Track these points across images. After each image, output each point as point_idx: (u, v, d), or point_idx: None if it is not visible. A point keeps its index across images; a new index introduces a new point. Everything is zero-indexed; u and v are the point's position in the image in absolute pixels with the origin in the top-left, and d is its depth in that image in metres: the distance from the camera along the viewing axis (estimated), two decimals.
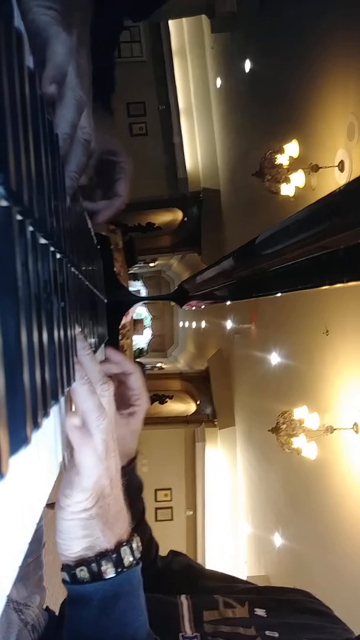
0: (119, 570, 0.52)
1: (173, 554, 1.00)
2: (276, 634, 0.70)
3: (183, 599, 0.78)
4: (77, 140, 0.51)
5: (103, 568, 0.51)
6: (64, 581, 0.52)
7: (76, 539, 0.51)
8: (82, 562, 0.51)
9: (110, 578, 0.51)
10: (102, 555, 0.51)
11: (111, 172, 0.66)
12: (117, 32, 0.78)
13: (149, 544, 0.91)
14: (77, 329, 0.48)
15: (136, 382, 0.59)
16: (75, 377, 0.46)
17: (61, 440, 0.45)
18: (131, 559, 0.53)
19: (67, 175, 0.50)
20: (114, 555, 0.52)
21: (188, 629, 0.71)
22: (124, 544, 0.53)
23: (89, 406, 0.48)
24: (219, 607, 0.76)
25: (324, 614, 0.79)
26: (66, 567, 0.52)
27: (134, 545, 0.55)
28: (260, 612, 0.76)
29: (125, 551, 0.53)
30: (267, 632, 0.70)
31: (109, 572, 0.51)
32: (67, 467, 0.49)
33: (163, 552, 0.99)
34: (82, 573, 0.51)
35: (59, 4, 0.47)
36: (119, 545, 0.53)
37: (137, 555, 0.54)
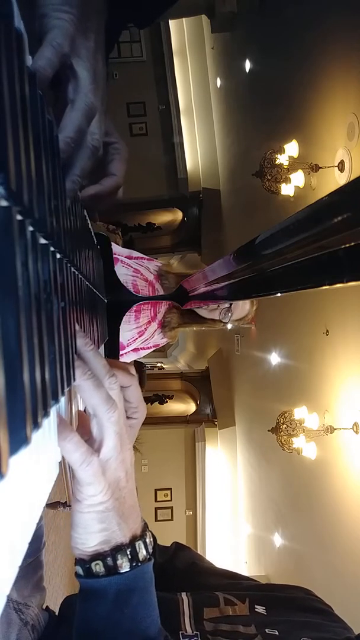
0: (134, 564, 0.52)
1: (177, 547, 1.00)
2: (276, 632, 0.70)
3: (184, 596, 0.78)
4: (86, 145, 0.50)
5: (119, 562, 0.51)
6: (77, 575, 0.52)
7: (93, 532, 0.50)
8: (98, 556, 0.51)
9: (125, 572, 0.51)
10: (118, 549, 0.51)
11: (104, 153, 0.62)
12: (117, 37, 0.77)
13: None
14: (77, 327, 0.47)
15: (134, 395, 0.57)
16: (75, 376, 0.45)
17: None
18: (145, 553, 0.53)
19: (70, 179, 0.48)
20: (129, 550, 0.51)
21: (188, 627, 0.71)
22: (139, 538, 0.53)
23: (97, 400, 0.47)
24: (219, 604, 0.76)
25: (324, 612, 0.79)
26: (80, 562, 0.51)
27: (147, 540, 0.54)
28: (260, 609, 0.76)
29: (139, 545, 0.53)
30: (267, 630, 0.70)
31: (124, 566, 0.51)
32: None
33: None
34: (98, 567, 0.51)
35: (76, 9, 0.47)
36: (133, 539, 0.52)
37: (150, 550, 0.54)
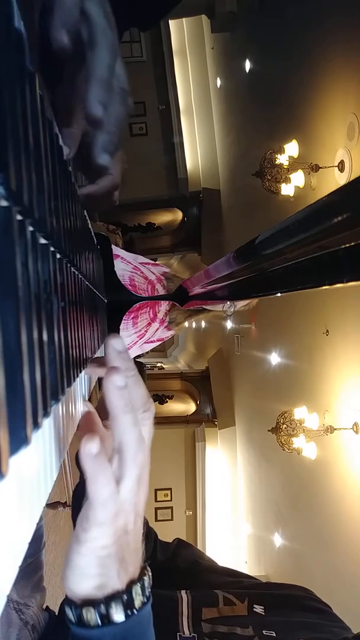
0: (129, 613, 0.48)
1: (178, 544, 0.99)
2: (273, 634, 0.70)
3: (183, 594, 0.78)
4: (115, 90, 0.45)
5: (112, 611, 0.47)
6: (68, 620, 0.48)
7: (88, 576, 0.46)
8: (90, 602, 0.47)
9: (119, 622, 0.47)
10: (112, 597, 0.47)
11: None
12: (120, 38, 0.76)
13: (147, 536, 0.89)
14: (120, 345, 0.44)
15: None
16: (117, 404, 0.42)
17: (62, 440, 0.45)
18: (142, 598, 0.49)
19: (106, 129, 0.44)
20: (125, 596, 0.47)
21: (186, 629, 0.71)
22: (136, 581, 0.49)
23: (129, 439, 0.43)
24: (218, 604, 0.76)
25: (322, 611, 0.79)
26: (70, 603, 0.47)
27: (146, 583, 0.50)
28: (259, 609, 0.76)
29: (136, 591, 0.48)
30: (264, 632, 0.70)
31: (119, 615, 0.47)
32: (85, 499, 0.45)
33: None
34: (89, 615, 0.46)
35: None
36: (130, 584, 0.48)
37: (148, 592, 0.50)
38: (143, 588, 0.49)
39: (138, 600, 0.48)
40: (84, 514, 0.44)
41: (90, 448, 0.40)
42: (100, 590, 0.46)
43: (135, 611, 0.48)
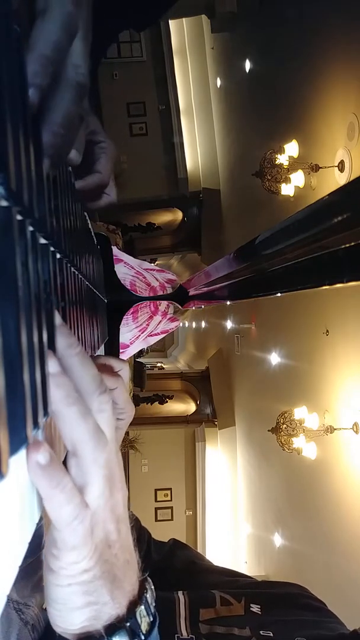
0: None
1: (174, 545, 0.99)
2: (270, 634, 0.70)
3: (180, 595, 0.77)
4: (68, 81, 0.36)
5: None
6: None
7: (76, 609, 0.37)
8: (87, 638, 0.38)
9: None
10: (114, 628, 0.38)
11: (90, 153, 0.57)
12: (115, 39, 0.76)
13: (139, 540, 0.88)
14: (57, 319, 0.34)
15: (120, 397, 0.44)
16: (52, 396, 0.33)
17: (62, 439, 0.45)
18: (149, 619, 0.41)
19: (48, 128, 0.35)
20: (129, 623, 0.39)
21: (183, 630, 0.71)
22: (139, 601, 0.40)
23: (81, 435, 0.34)
24: (215, 604, 0.76)
25: (317, 609, 0.80)
26: None
27: (149, 599, 0.42)
28: (255, 608, 0.75)
29: (141, 613, 0.40)
30: (261, 632, 0.70)
31: None
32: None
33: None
34: None
35: None
36: (132, 606, 0.40)
37: (154, 608, 0.42)
38: (147, 607, 0.41)
39: (144, 623, 0.40)
40: (50, 539, 0.35)
41: (37, 458, 0.30)
42: (97, 621, 0.38)
43: (142, 636, 0.40)
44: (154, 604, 0.42)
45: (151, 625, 0.41)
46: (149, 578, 0.43)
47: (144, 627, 0.40)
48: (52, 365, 0.32)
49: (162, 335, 1.99)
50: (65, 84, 0.36)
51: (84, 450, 0.34)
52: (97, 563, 0.36)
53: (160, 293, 1.90)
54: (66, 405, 0.33)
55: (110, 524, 0.37)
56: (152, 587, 0.43)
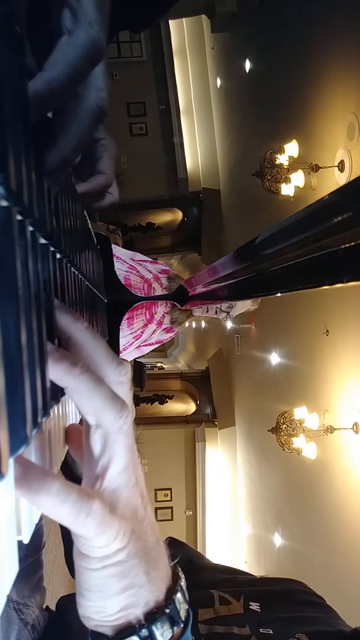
0: (176, 628, 0.36)
1: (171, 543, 0.99)
2: (270, 631, 0.70)
3: None
4: (88, 104, 0.35)
5: (158, 633, 0.35)
6: None
7: (113, 595, 0.34)
8: (125, 629, 0.35)
9: None
10: (154, 615, 0.36)
11: (92, 152, 0.56)
12: (111, 39, 0.75)
13: None
14: (55, 301, 0.33)
15: (126, 397, 0.36)
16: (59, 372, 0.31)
17: (62, 439, 0.45)
18: (186, 605, 0.38)
19: (59, 151, 0.34)
20: (168, 610, 0.36)
21: None
22: (174, 588, 0.38)
23: (100, 403, 0.32)
24: (214, 604, 0.76)
25: (316, 604, 0.80)
26: (99, 637, 0.36)
27: (183, 584, 0.39)
28: (254, 606, 0.75)
29: (178, 599, 0.37)
30: (261, 630, 0.70)
31: (166, 635, 0.36)
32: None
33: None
34: None
35: None
36: (170, 593, 0.37)
37: (188, 595, 0.39)
38: (183, 592, 0.38)
39: (183, 610, 0.37)
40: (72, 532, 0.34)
41: (49, 486, 0.28)
42: (136, 609, 0.35)
43: (182, 624, 0.37)
44: (187, 592, 0.40)
45: (189, 613, 0.38)
46: (177, 565, 0.41)
47: (182, 614, 0.37)
48: (49, 346, 0.30)
49: (156, 346, 1.99)
50: (84, 107, 0.35)
51: (106, 420, 0.32)
52: (130, 539, 0.34)
53: (155, 284, 1.89)
54: (73, 377, 0.31)
55: (136, 498, 0.35)
56: (183, 574, 0.40)
